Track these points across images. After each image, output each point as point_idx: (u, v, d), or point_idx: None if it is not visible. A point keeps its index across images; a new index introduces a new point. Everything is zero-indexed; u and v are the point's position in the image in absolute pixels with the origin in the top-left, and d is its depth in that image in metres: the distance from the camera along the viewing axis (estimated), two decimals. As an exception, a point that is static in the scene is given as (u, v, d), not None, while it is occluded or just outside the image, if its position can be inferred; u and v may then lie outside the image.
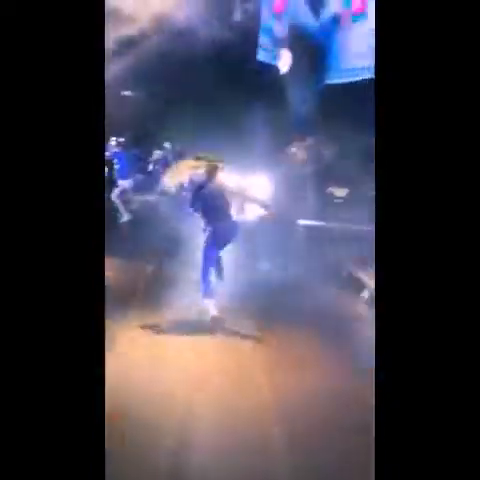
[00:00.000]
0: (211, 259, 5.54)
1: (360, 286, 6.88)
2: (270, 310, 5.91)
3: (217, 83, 10.87)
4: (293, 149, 9.58)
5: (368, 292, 6.64)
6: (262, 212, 7.61)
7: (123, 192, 10.95)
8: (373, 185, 8.34)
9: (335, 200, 9.62)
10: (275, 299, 6.29)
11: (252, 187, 8.08)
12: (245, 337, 5.17)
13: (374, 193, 7.46)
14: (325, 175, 9.46)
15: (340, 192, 9.51)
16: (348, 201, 9.31)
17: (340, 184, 9.66)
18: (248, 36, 7.51)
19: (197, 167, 5.81)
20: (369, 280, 6.78)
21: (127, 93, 14.57)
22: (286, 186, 8.90)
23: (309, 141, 9.74)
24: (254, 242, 7.79)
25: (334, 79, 7.03)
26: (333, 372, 4.51)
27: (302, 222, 8.79)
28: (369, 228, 8.22)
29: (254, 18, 7.52)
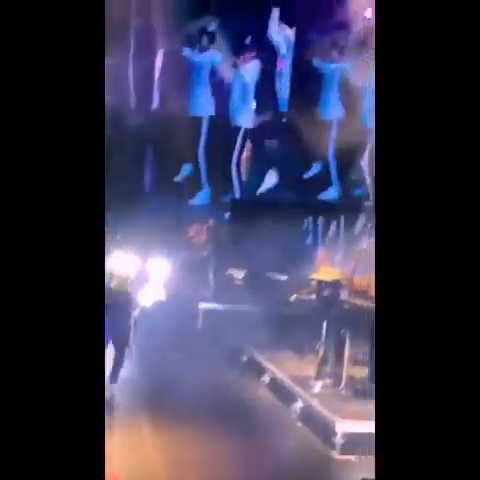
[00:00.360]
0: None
1: (261, 370, 6.93)
2: (166, 400, 5.77)
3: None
4: (192, 232, 9.73)
5: (268, 376, 6.71)
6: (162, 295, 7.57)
7: None
8: (271, 266, 8.59)
9: (235, 282, 9.73)
10: (173, 387, 6.16)
11: (153, 270, 8.03)
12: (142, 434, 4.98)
13: (270, 274, 7.67)
14: (225, 257, 9.64)
15: (238, 274, 9.66)
16: (247, 283, 9.47)
17: (239, 266, 9.84)
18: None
19: None
20: (269, 364, 6.86)
21: None
22: (186, 269, 8.92)
23: (210, 223, 9.97)
24: (153, 326, 7.68)
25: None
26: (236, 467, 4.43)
27: (203, 305, 8.82)
28: (267, 309, 8.51)
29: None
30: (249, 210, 9.85)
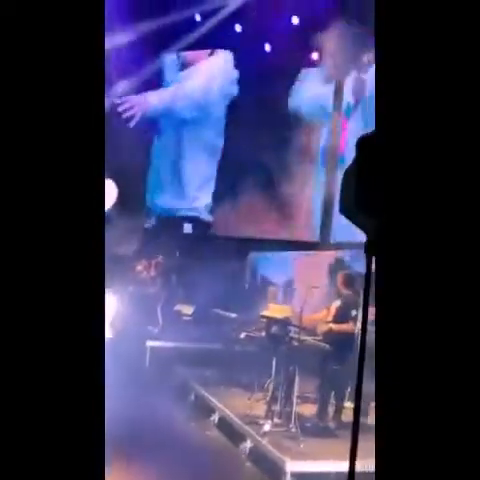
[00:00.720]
0: None
1: (209, 409, 6.90)
2: (111, 440, 5.62)
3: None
4: (139, 267, 9.70)
5: (217, 415, 6.68)
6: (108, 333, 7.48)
7: None
8: (220, 302, 8.66)
9: (183, 318, 9.73)
10: (117, 426, 6.03)
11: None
12: None
13: (219, 311, 7.70)
14: (173, 292, 9.64)
15: (187, 310, 9.67)
16: (195, 319, 9.48)
17: (188, 302, 9.86)
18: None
19: None
20: (218, 403, 6.84)
21: None
22: (134, 305, 8.87)
23: (159, 258, 9.96)
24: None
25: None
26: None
27: (151, 343, 8.74)
28: (216, 347, 8.53)
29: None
30: (199, 246, 9.96)
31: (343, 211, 2.45)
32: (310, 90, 9.81)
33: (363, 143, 2.33)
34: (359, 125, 9.13)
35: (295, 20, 9.27)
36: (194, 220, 10.85)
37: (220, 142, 10.87)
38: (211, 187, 10.96)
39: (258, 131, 9.34)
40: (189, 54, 10.60)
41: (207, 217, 10.92)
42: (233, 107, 10.74)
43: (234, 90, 10.75)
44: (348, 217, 2.48)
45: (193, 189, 10.99)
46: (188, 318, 9.59)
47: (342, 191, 2.43)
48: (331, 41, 8.48)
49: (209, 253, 9.31)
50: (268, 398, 6.31)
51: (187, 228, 10.46)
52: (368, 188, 2.20)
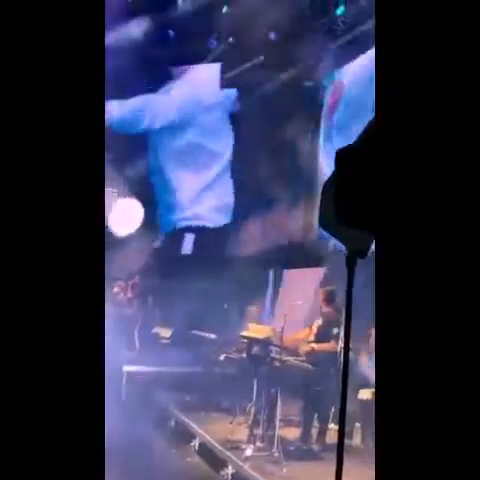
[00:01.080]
0: None
1: (189, 435, 6.79)
2: None
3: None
4: (116, 289, 9.59)
5: (198, 441, 6.57)
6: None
7: None
8: (199, 324, 8.57)
9: (161, 340, 9.64)
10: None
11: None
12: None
13: (198, 333, 7.62)
14: (151, 315, 9.55)
15: (165, 332, 9.59)
16: (174, 342, 9.39)
17: (166, 324, 9.77)
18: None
19: None
20: (198, 428, 6.74)
21: None
22: (109, 328, 8.71)
23: (135, 279, 9.87)
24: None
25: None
26: None
27: (127, 368, 8.61)
28: (196, 370, 8.43)
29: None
30: (176, 266, 9.90)
31: (322, 224, 2.45)
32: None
33: (342, 155, 2.34)
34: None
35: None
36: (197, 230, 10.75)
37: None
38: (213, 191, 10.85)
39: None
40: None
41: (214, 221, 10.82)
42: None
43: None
44: (327, 230, 2.48)
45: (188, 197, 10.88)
46: (166, 341, 9.50)
47: (321, 204, 2.43)
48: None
49: (188, 274, 9.26)
50: (250, 422, 6.22)
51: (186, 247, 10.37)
52: (348, 200, 2.20)
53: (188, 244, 10.56)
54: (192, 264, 9.92)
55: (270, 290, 10.04)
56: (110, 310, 9.55)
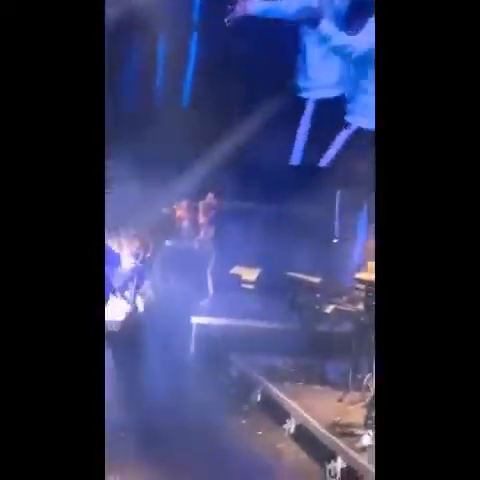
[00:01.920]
0: None
1: (282, 414, 6.76)
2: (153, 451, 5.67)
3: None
4: (180, 212, 9.57)
5: (293, 422, 6.54)
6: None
7: None
8: (296, 263, 8.54)
9: (243, 285, 9.70)
10: (159, 435, 6.00)
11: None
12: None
13: (295, 275, 7.62)
14: (230, 250, 9.53)
15: (249, 274, 9.59)
16: (261, 288, 9.39)
17: (250, 263, 9.75)
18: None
19: None
20: (294, 405, 6.68)
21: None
22: (172, 267, 8.91)
23: (209, 198, 9.82)
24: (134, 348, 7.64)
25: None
26: None
27: (197, 320, 8.68)
28: (290, 326, 8.37)
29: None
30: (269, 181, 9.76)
31: None
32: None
33: None
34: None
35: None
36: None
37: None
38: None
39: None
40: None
41: None
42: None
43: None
44: None
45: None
46: (250, 286, 9.53)
47: None
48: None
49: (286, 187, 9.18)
50: (368, 400, 6.12)
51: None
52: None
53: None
54: (293, 176, 9.81)
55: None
56: (172, 243, 9.61)
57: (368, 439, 5.68)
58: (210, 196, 9.68)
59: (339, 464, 5.57)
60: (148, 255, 8.97)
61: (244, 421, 6.84)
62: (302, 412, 6.51)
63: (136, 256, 8.33)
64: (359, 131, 10.27)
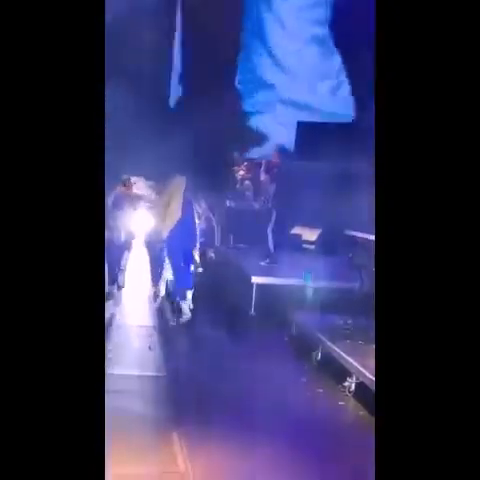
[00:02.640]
0: None
1: (342, 372, 6.73)
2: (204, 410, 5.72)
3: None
4: (242, 172, 9.54)
5: (353, 380, 6.50)
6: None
7: None
8: (362, 223, 8.45)
9: (304, 245, 9.69)
10: (218, 388, 6.05)
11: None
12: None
13: (361, 236, 7.52)
14: (290, 209, 9.48)
15: (310, 234, 9.56)
16: (322, 247, 9.38)
17: (310, 223, 9.71)
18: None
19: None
20: (355, 363, 6.63)
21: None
22: (233, 226, 8.95)
23: (272, 157, 9.69)
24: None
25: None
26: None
27: (257, 280, 8.67)
28: (355, 286, 8.31)
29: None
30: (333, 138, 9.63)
31: None
32: None
33: None
34: None
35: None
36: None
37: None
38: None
39: None
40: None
41: None
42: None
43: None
44: None
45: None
46: (311, 246, 9.52)
47: None
48: None
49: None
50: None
51: None
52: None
53: None
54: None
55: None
56: (233, 203, 9.60)
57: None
58: (275, 154, 9.53)
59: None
60: (210, 215, 9.00)
61: (304, 379, 6.83)
62: (363, 370, 6.46)
63: (198, 216, 8.35)
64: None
